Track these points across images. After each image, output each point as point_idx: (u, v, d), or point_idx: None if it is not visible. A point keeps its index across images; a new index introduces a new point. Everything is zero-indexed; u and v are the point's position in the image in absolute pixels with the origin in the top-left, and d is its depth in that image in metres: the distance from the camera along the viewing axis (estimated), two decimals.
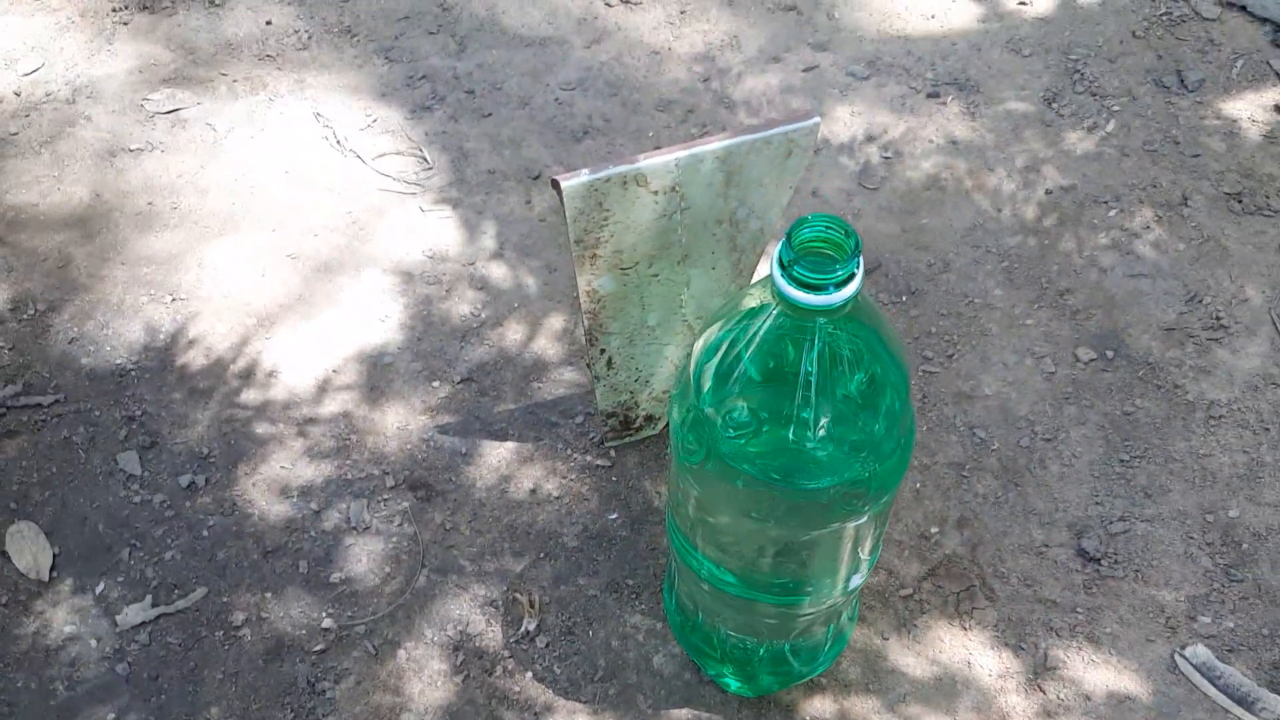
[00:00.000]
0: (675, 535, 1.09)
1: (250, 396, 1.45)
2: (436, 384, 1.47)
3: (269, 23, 1.84)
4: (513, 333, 1.51)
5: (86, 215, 1.62)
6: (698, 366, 0.90)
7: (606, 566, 1.33)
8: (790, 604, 1.05)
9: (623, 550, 1.34)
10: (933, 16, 1.83)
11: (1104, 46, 1.79)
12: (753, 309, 0.85)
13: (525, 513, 1.37)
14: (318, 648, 1.28)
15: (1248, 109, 1.71)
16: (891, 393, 0.88)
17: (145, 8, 1.86)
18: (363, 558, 1.34)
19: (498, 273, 1.56)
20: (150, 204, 1.63)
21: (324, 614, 1.30)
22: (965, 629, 1.28)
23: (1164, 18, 1.82)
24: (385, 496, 1.38)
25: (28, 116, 1.73)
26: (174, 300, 1.54)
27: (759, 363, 0.86)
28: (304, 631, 1.29)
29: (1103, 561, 1.31)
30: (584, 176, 1.05)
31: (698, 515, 1.01)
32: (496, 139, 1.70)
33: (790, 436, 0.87)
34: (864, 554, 0.99)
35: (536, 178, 1.65)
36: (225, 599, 1.31)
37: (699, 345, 0.91)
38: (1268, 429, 1.41)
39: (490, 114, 1.73)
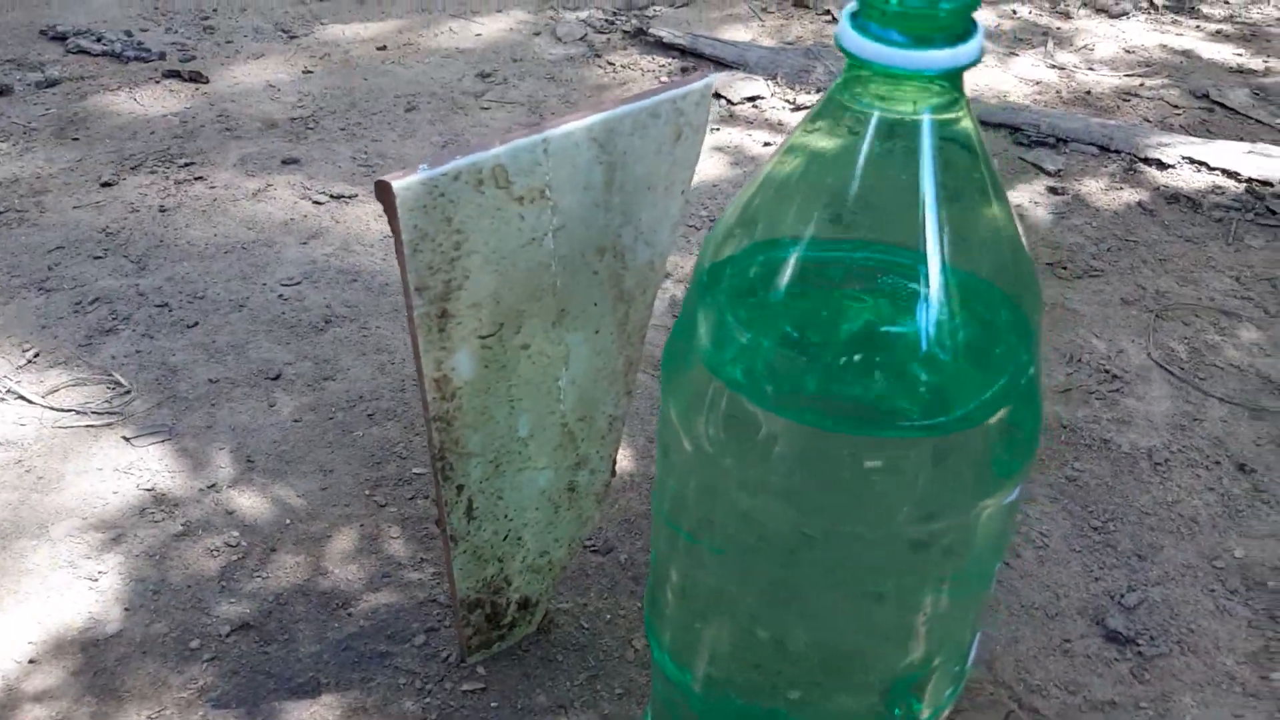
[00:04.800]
0: (678, 680, 0.70)
1: None
2: (196, 644, 1.00)
3: None
4: (293, 559, 1.08)
5: None
6: (712, 276, 0.57)
7: None
8: None
9: None
10: None
11: None
12: (800, 162, 0.54)
13: None
14: None
15: (1025, 195, 1.63)
16: (1027, 252, 0.57)
17: None
18: None
19: (250, 494, 1.14)
20: None
21: None
22: None
23: None
24: None
25: None
26: None
27: (820, 232, 0.54)
28: None
29: (1139, 641, 1.03)
30: (420, 173, 0.72)
31: (717, 600, 0.64)
32: (211, 347, 1.31)
33: (901, 338, 0.53)
34: (988, 592, 0.64)
35: (276, 377, 1.27)
36: None
37: (707, 256, 0.58)
38: (1218, 463, 1.21)
39: (196, 323, 1.34)
